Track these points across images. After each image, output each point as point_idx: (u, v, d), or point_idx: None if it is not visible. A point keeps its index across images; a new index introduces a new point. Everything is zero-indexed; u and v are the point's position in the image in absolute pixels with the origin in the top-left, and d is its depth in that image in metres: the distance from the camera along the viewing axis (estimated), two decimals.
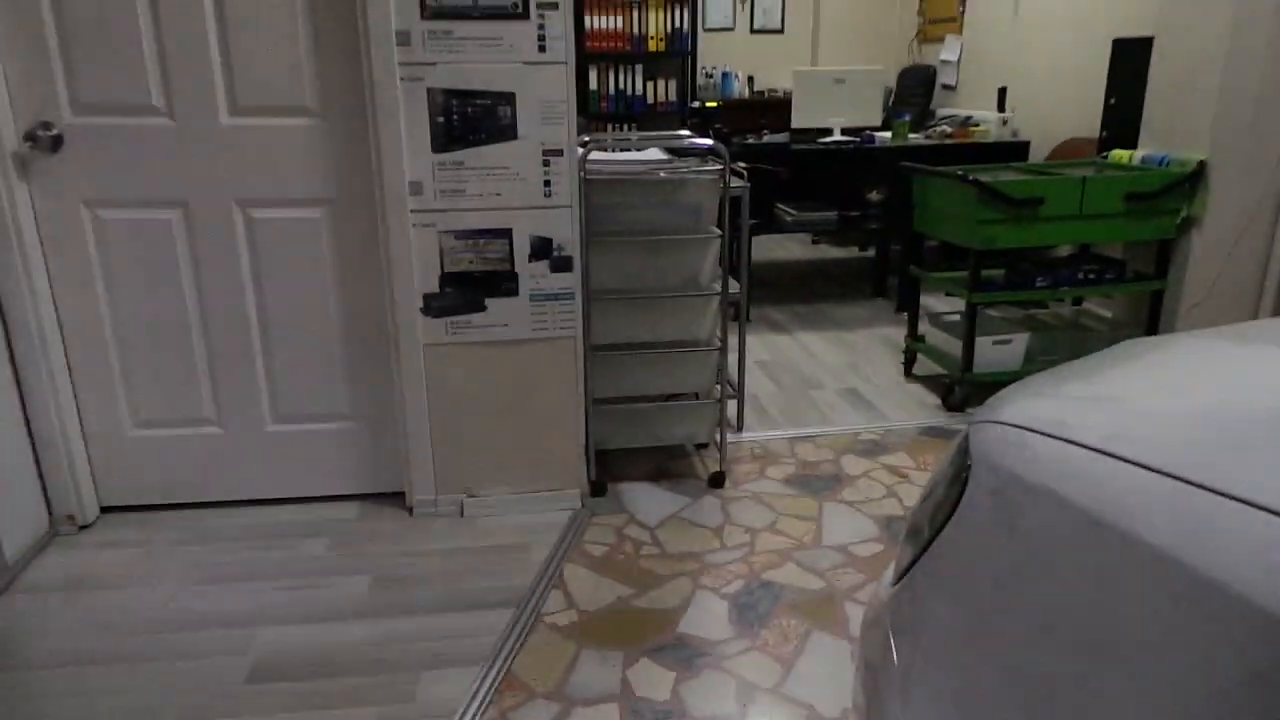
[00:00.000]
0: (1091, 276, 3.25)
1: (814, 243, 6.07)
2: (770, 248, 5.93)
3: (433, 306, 2.32)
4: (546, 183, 2.29)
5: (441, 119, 2.20)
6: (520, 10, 2.16)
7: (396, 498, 2.52)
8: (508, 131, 2.24)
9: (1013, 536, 0.71)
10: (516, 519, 2.45)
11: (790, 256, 5.79)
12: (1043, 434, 0.74)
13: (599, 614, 2.03)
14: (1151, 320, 3.31)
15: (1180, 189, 3.12)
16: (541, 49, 2.20)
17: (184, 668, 1.85)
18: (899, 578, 0.89)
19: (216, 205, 2.27)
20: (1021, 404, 0.80)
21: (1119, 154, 3.48)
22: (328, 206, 2.31)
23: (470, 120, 2.22)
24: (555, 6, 2.17)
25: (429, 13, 2.12)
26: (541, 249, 2.34)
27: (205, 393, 2.41)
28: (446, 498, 2.46)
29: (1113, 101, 3.96)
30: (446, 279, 2.31)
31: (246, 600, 2.07)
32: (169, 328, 2.35)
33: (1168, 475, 0.63)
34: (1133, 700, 0.59)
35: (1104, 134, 4.04)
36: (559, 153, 2.27)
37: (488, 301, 2.35)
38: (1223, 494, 0.59)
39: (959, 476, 0.81)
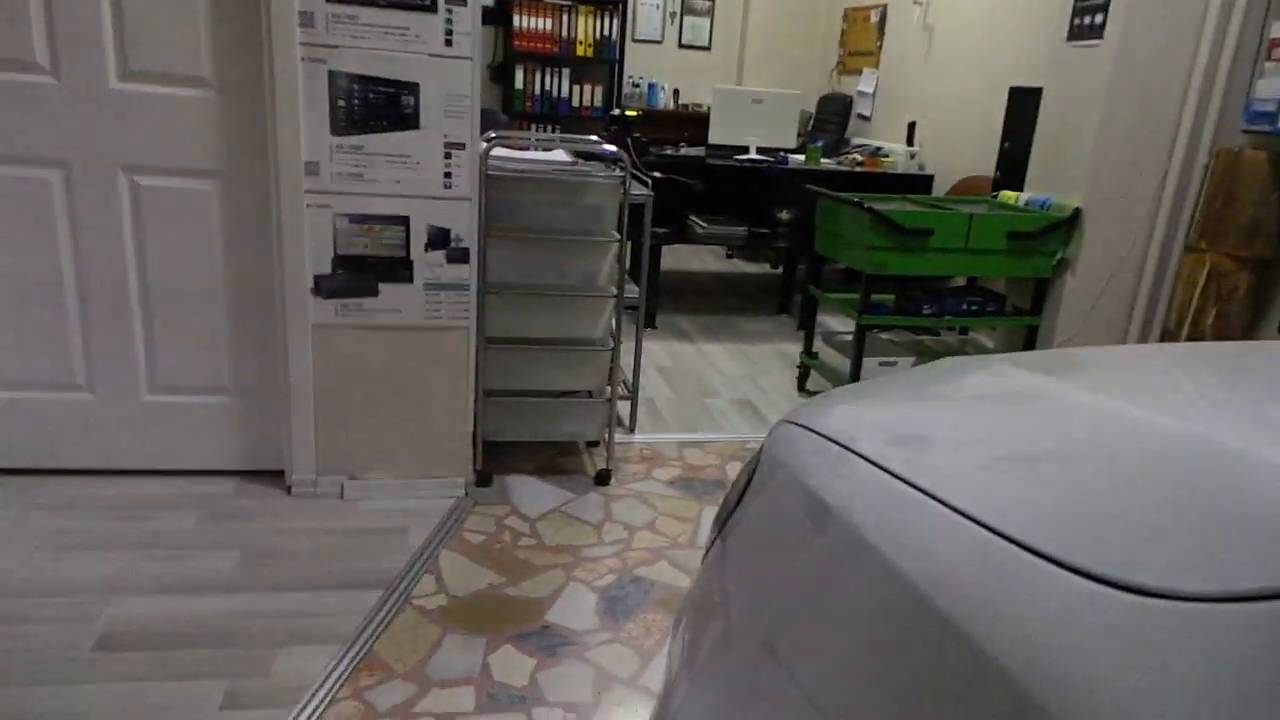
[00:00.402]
0: (974, 308, 3.44)
1: (728, 257, 6.21)
2: (685, 258, 6.04)
3: (323, 287, 2.31)
4: (447, 174, 2.32)
5: (343, 102, 2.21)
6: (428, 3, 2.18)
7: (276, 476, 2.50)
8: (410, 121, 2.26)
9: (772, 523, 0.79)
10: (398, 504, 2.45)
11: (704, 268, 5.91)
12: (811, 430, 0.81)
13: (468, 600, 2.06)
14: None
15: (1058, 232, 3.33)
16: (449, 43, 2.22)
17: (28, 632, 1.80)
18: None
19: (100, 169, 2.22)
20: (816, 407, 0.87)
21: (1007, 194, 3.70)
22: (219, 179, 2.28)
23: (372, 106, 2.23)
24: (463, 3, 2.20)
25: None
26: (439, 239, 2.36)
27: (77, 357, 2.34)
28: (327, 479, 2.45)
29: (1007, 145, 4.20)
30: (339, 261, 2.31)
31: (103, 569, 2.03)
32: (42, 289, 2.28)
33: (897, 477, 0.69)
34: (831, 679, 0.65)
35: (998, 174, 4.28)
36: (461, 146, 2.30)
37: (381, 286, 2.36)
38: (936, 499, 0.65)
39: (750, 469, 0.88)
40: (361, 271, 2.33)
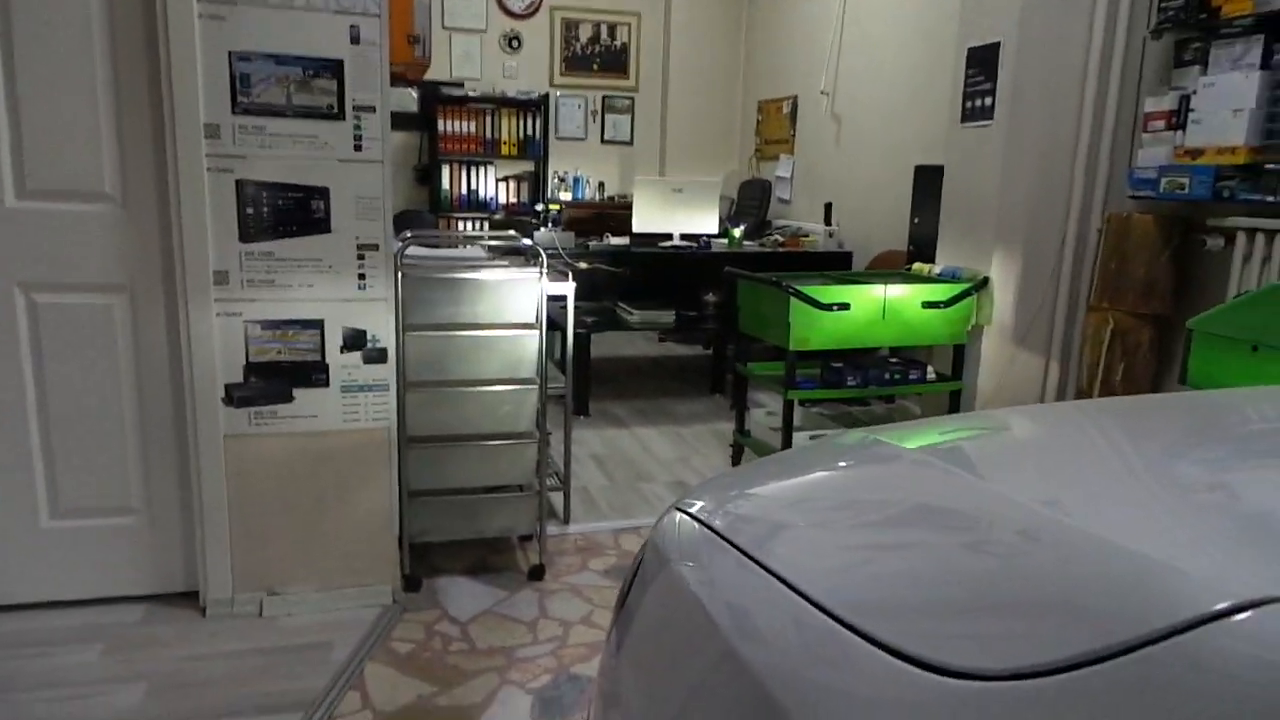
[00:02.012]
0: (897, 377, 3.51)
1: (660, 340, 6.27)
2: (618, 345, 6.09)
3: (235, 396, 2.26)
4: (361, 275, 2.31)
5: (251, 210, 2.20)
6: (335, 111, 2.22)
7: (189, 598, 2.37)
8: (321, 225, 2.26)
9: (656, 611, 0.78)
10: (321, 617, 2.35)
11: (637, 353, 5.95)
12: (689, 515, 0.82)
13: (395, 715, 1.96)
14: None
15: (969, 299, 3.46)
16: (358, 148, 2.25)
17: None
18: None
19: None
20: (697, 492, 0.89)
21: (920, 266, 3.83)
22: (124, 293, 2.24)
23: (282, 212, 2.23)
24: (372, 110, 2.24)
25: (240, 108, 2.15)
26: (354, 340, 2.34)
27: None
28: (245, 596, 2.34)
29: (916, 220, 4.38)
30: (252, 368, 2.27)
31: None
32: None
33: (754, 560, 0.70)
34: None
35: (911, 248, 4.44)
36: (375, 247, 2.31)
37: (296, 392, 2.31)
38: (784, 581, 0.66)
39: (639, 559, 0.87)
40: (275, 378, 2.29)
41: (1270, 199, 2.79)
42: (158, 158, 2.19)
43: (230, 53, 2.14)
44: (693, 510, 0.85)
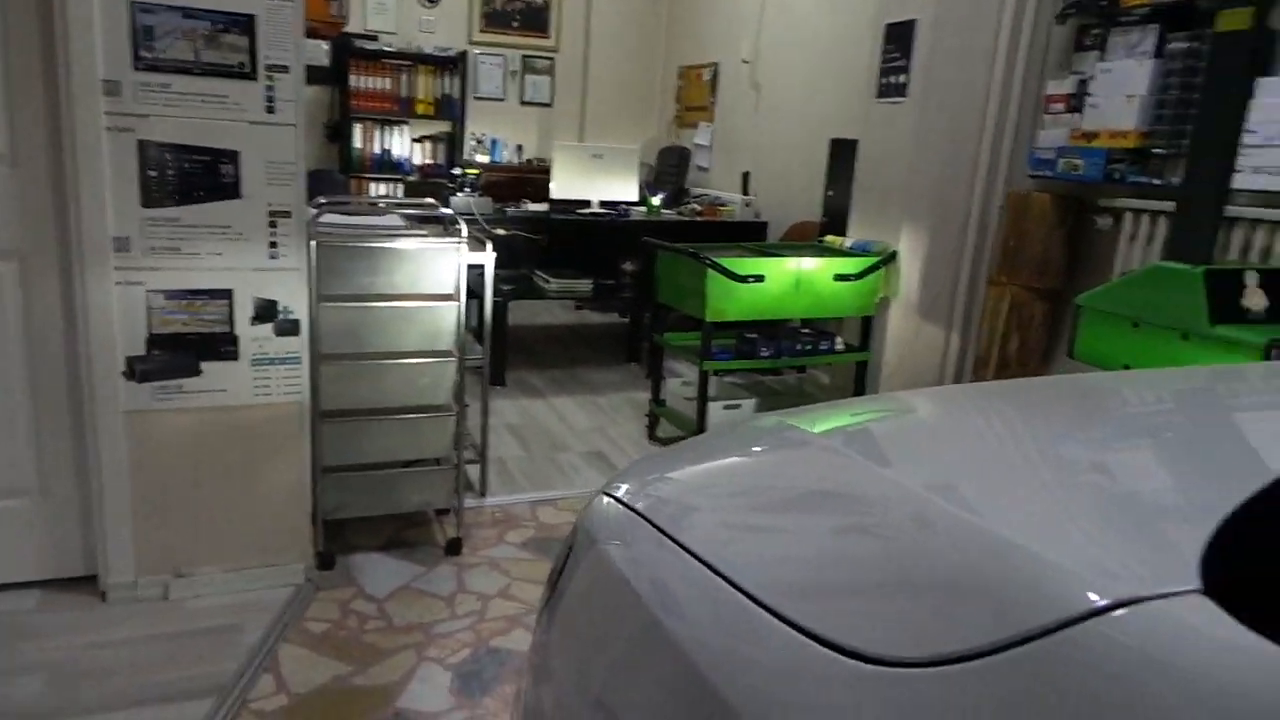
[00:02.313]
0: (808, 348, 3.61)
1: (577, 308, 6.25)
2: (535, 312, 6.04)
3: (137, 370, 2.16)
4: (273, 244, 2.23)
5: (154, 173, 2.09)
6: (247, 70, 2.11)
7: (88, 583, 2.28)
8: (230, 190, 2.16)
9: (588, 590, 0.81)
10: (231, 599, 2.29)
11: (554, 321, 5.93)
12: (615, 499, 0.85)
13: (311, 696, 1.94)
14: (858, 386, 3.72)
15: (878, 272, 3.56)
16: (270, 110, 2.16)
17: None
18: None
19: None
20: (623, 475, 0.91)
21: (833, 239, 3.92)
22: (13, 260, 2.10)
23: (188, 176, 2.12)
24: (286, 70, 2.15)
25: (143, 64, 2.03)
26: (266, 311, 2.26)
27: None
28: (149, 579, 2.26)
29: (830, 193, 4.47)
30: (155, 341, 2.17)
31: None
32: None
33: (677, 543, 0.74)
34: None
35: (825, 219, 4.54)
36: (287, 214, 2.22)
37: (204, 365, 2.22)
38: (704, 562, 0.69)
39: (569, 541, 0.90)
40: (181, 350, 2.19)
41: (1156, 181, 2.96)
42: (51, 115, 2.05)
43: (132, 2, 2.00)
44: (618, 494, 0.88)
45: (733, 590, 0.64)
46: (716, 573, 0.66)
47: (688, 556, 0.71)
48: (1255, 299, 2.12)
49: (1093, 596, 0.48)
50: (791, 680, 0.55)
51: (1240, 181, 2.49)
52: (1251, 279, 2.12)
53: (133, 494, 2.21)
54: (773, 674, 0.56)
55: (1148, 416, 0.93)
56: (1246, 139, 2.46)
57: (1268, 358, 1.92)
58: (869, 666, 0.52)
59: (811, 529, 0.71)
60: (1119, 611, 0.47)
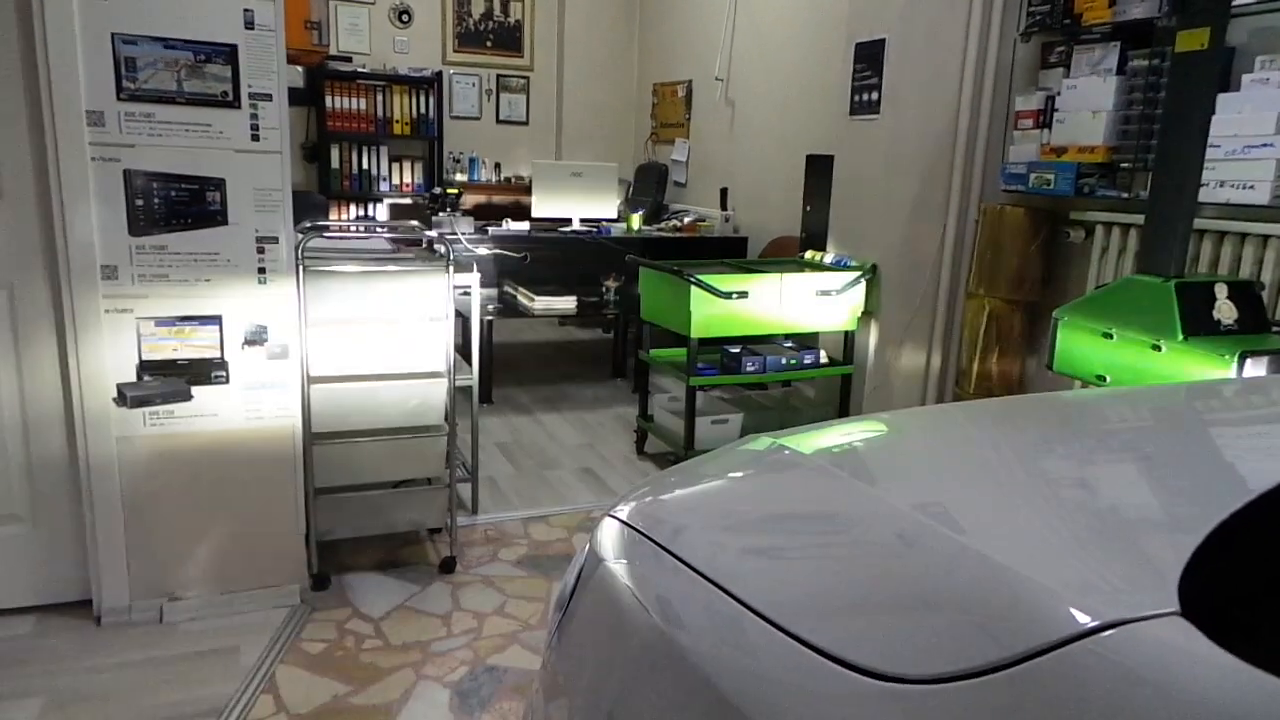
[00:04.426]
0: (792, 363, 3.66)
1: (561, 325, 6.28)
2: (519, 329, 6.07)
3: (128, 396, 2.16)
4: (261, 269, 2.25)
5: (141, 201, 2.11)
6: (231, 99, 2.14)
7: (83, 607, 2.27)
8: (217, 217, 2.18)
9: (600, 611, 0.84)
10: (226, 621, 2.29)
11: (538, 338, 5.95)
12: (624, 523, 0.89)
13: (311, 716, 1.95)
14: (843, 400, 3.78)
15: (858, 287, 3.63)
16: (255, 138, 2.18)
17: None
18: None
19: None
20: (631, 500, 0.95)
21: (813, 254, 3.99)
22: (4, 290, 2.11)
23: (175, 204, 2.14)
24: (269, 98, 2.17)
25: (126, 94, 2.05)
26: (256, 336, 2.27)
27: None
28: (143, 603, 2.26)
29: (808, 208, 4.54)
30: (146, 367, 2.18)
31: None
32: None
33: (689, 567, 0.77)
34: None
35: (803, 235, 4.61)
36: (274, 240, 2.25)
37: (195, 390, 2.23)
38: (717, 585, 0.73)
39: (580, 563, 0.93)
40: (172, 376, 2.20)
41: (1125, 195, 3.05)
42: (37, 146, 2.06)
43: (114, 34, 2.03)
44: (623, 516, 0.92)
45: (742, 608, 0.67)
46: (725, 591, 0.70)
47: (695, 575, 0.74)
48: (1226, 310, 2.19)
49: (1082, 619, 0.52)
50: (802, 695, 0.58)
51: (1206, 195, 2.58)
52: (1221, 291, 2.20)
53: (126, 519, 2.21)
54: (785, 688, 0.59)
55: (1132, 434, 0.97)
56: (1210, 153, 2.55)
57: (1240, 368, 2.00)
58: (874, 682, 0.55)
59: (811, 549, 0.75)
60: (1106, 633, 0.50)
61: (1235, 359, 1.97)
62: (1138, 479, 0.80)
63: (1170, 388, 1.16)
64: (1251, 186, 2.52)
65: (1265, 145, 2.49)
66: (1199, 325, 2.12)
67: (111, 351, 2.14)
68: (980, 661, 0.52)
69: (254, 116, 2.17)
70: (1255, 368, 1.96)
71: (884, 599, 0.63)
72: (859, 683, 0.55)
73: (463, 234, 4.32)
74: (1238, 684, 0.45)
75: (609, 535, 0.91)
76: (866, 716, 0.54)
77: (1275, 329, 2.29)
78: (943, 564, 0.63)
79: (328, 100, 5.86)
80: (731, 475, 0.98)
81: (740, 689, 0.62)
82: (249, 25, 2.14)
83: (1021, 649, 0.51)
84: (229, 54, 2.13)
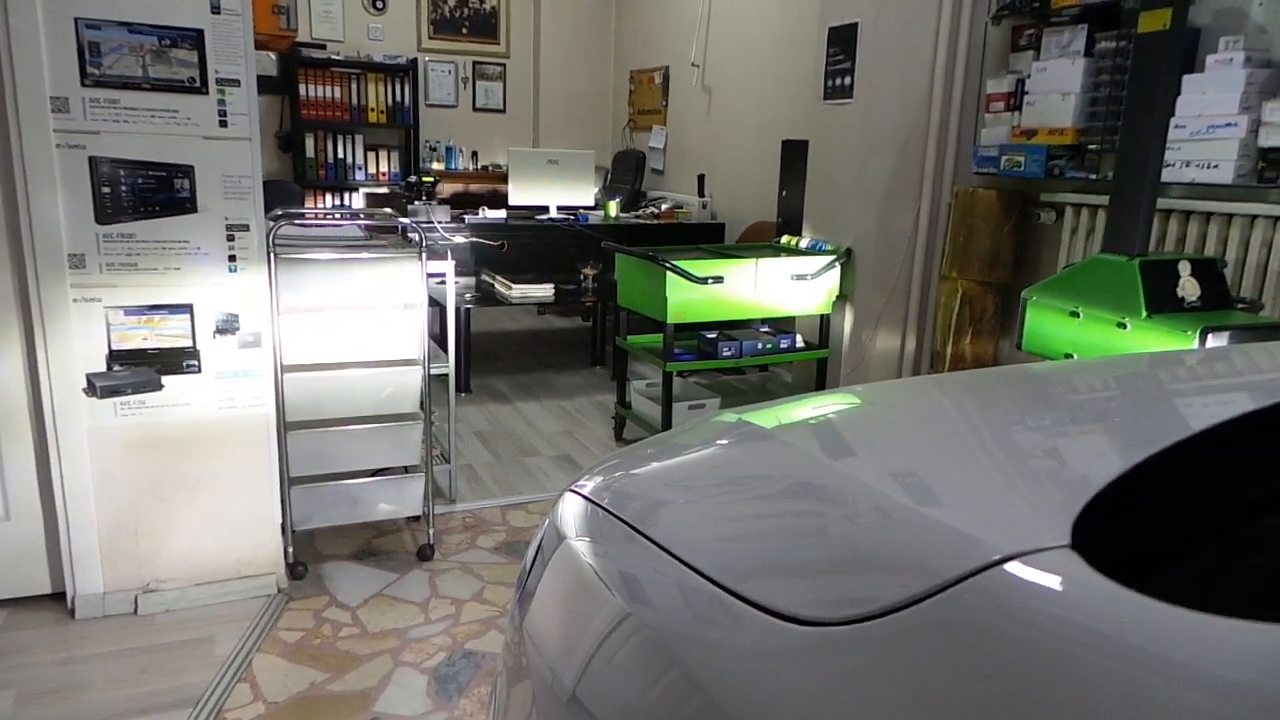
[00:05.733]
0: (769, 347, 3.68)
1: (540, 313, 6.28)
2: (497, 317, 6.06)
3: (98, 386, 2.15)
4: (232, 257, 2.23)
5: (108, 189, 2.09)
6: (198, 85, 2.12)
7: (55, 600, 2.26)
8: (186, 205, 2.16)
9: (560, 585, 0.85)
10: (201, 612, 2.29)
11: (516, 326, 5.94)
12: (582, 496, 0.90)
13: (288, 704, 1.95)
14: (819, 384, 3.80)
15: (833, 271, 3.65)
16: (223, 124, 2.16)
17: None
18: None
19: None
20: (590, 473, 0.96)
21: (788, 239, 4.01)
22: None
23: (142, 192, 2.12)
24: (237, 83, 2.15)
25: (91, 80, 2.02)
26: (228, 324, 2.26)
27: None
28: (117, 594, 2.25)
29: (784, 193, 4.55)
30: (116, 356, 2.16)
31: None
32: None
33: (643, 535, 0.78)
34: None
35: (779, 220, 4.62)
36: (245, 227, 2.23)
37: (166, 380, 2.22)
38: (669, 552, 0.75)
39: (540, 538, 0.94)
40: (142, 365, 2.19)
41: (1093, 176, 3.08)
42: (2, 134, 2.03)
43: (77, 19, 2.00)
44: (584, 491, 0.93)
45: (691, 572, 0.69)
46: (676, 558, 0.72)
47: (651, 546, 0.75)
48: (1189, 288, 2.23)
49: (977, 556, 0.55)
50: (753, 650, 0.60)
51: (1172, 175, 2.62)
52: (1185, 269, 2.23)
53: (98, 510, 2.19)
54: (735, 646, 0.62)
55: (1070, 398, 1.00)
56: (1174, 134, 2.59)
57: (1202, 343, 2.03)
58: (798, 627, 0.58)
59: (763, 517, 0.77)
60: (1003, 567, 0.53)
61: (1197, 335, 2.00)
62: (1063, 436, 0.83)
63: (1119, 359, 1.19)
64: (1216, 166, 2.56)
65: (1229, 125, 2.52)
66: (1163, 303, 2.15)
67: (80, 342, 2.12)
68: (889, 601, 0.55)
69: (222, 102, 2.15)
70: (1217, 343, 1.99)
71: (820, 555, 0.67)
72: (791, 630, 0.58)
73: (439, 222, 4.30)
74: (1115, 608, 0.48)
75: (568, 510, 0.92)
76: (799, 659, 0.57)
77: (1240, 304, 2.34)
78: (876, 519, 0.66)
79: (301, 89, 5.80)
80: (692, 449, 0.99)
81: (695, 654, 0.64)
82: (215, 9, 2.12)
83: (918, 589, 0.54)
84: (195, 38, 2.11)
